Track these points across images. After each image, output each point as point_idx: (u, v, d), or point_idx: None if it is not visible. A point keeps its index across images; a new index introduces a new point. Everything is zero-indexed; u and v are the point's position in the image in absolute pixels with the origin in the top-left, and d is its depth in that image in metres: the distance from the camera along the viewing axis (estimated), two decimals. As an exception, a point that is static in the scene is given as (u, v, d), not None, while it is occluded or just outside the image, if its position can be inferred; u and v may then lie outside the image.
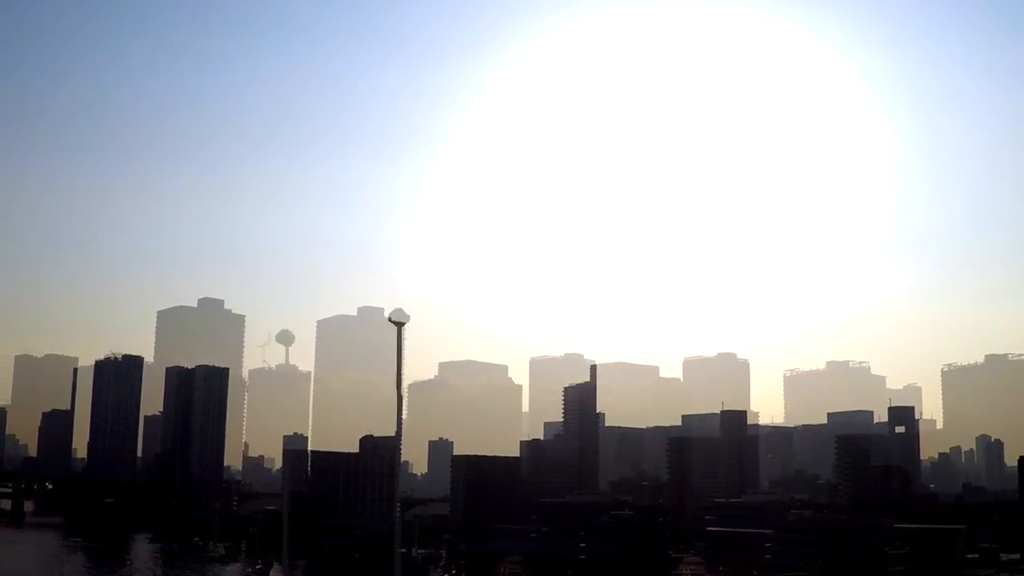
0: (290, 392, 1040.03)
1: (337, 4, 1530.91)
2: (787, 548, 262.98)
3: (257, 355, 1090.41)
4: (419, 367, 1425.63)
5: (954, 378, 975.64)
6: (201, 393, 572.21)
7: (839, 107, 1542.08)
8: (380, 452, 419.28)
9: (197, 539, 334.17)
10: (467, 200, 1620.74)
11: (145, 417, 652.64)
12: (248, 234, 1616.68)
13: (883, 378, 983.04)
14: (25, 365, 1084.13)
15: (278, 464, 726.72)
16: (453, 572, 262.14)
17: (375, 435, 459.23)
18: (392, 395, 61.95)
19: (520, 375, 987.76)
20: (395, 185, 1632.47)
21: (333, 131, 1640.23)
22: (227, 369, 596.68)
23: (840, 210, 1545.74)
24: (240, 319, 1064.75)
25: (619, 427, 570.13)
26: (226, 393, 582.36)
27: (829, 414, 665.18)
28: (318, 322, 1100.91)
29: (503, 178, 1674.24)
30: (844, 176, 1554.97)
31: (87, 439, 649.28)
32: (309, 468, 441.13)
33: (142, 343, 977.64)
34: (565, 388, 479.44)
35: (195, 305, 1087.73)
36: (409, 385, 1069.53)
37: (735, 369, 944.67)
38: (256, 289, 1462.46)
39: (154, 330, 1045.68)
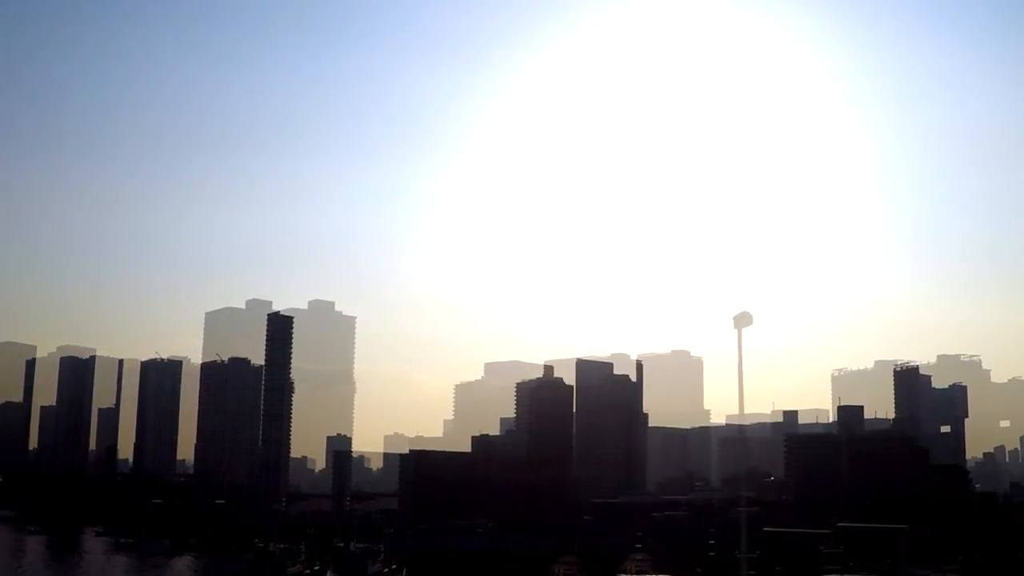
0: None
1: (354, 4, 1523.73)
2: (728, 545, 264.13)
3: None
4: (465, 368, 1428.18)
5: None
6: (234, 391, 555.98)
7: (837, 106, 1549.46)
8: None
9: (257, 540, 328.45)
10: (462, 202, 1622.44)
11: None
12: (286, 233, 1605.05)
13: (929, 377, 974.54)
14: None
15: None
16: (393, 567, 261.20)
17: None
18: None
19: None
20: (409, 185, 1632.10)
21: (361, 132, 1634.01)
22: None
23: (832, 209, 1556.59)
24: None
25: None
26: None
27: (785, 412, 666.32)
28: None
29: (499, 179, 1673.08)
30: (830, 176, 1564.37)
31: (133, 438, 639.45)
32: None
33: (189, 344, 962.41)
34: (517, 384, 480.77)
35: (243, 307, 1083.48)
36: (456, 386, 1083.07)
37: (689, 367, 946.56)
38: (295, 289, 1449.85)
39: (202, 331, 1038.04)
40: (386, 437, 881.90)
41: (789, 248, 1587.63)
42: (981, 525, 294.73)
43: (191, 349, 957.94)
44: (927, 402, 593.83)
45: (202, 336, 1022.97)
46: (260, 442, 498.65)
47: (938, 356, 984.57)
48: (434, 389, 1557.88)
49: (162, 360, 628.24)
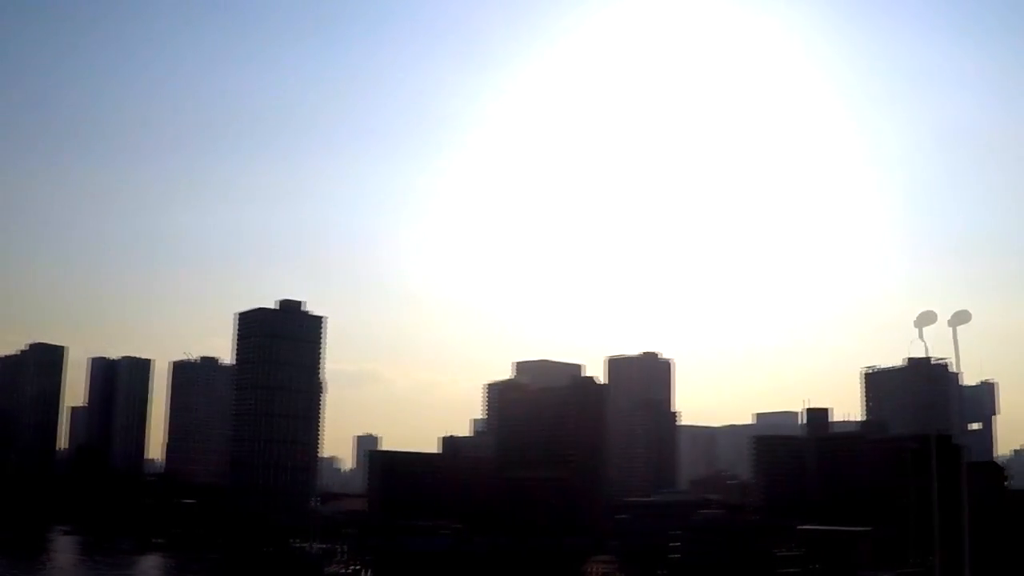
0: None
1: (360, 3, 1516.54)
2: (693, 547, 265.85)
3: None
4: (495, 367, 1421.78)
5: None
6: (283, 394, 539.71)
7: (839, 106, 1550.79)
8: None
9: (295, 540, 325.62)
10: (471, 201, 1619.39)
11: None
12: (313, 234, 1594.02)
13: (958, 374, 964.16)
14: None
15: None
16: (356, 568, 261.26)
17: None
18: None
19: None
20: (412, 186, 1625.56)
21: (370, 131, 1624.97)
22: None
23: (832, 209, 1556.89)
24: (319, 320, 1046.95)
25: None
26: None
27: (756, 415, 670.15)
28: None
29: (508, 177, 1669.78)
30: (829, 176, 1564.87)
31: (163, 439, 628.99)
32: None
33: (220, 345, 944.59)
34: (487, 385, 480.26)
35: (275, 307, 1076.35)
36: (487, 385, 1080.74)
37: (658, 369, 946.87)
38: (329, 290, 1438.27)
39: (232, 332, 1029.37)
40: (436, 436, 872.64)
41: (791, 247, 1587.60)
42: (1017, 522, 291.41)
43: (221, 349, 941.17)
44: (955, 400, 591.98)
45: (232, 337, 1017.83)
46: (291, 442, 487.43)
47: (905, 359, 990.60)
48: (461, 391, 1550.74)
49: (194, 360, 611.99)
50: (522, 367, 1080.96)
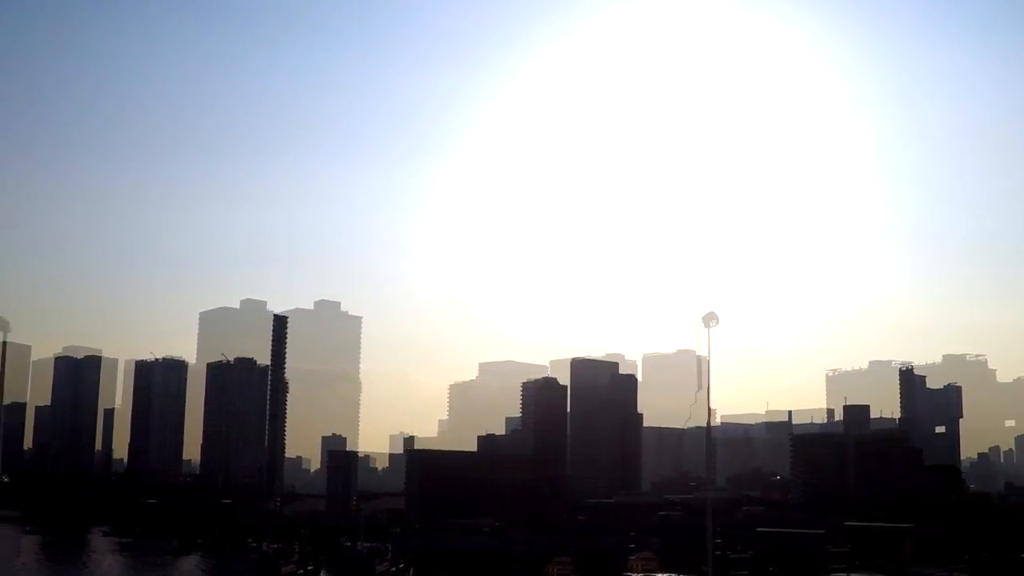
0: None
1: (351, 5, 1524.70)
2: (734, 544, 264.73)
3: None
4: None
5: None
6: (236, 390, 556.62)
7: (833, 105, 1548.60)
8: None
9: (250, 540, 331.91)
10: (459, 202, 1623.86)
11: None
12: (273, 234, 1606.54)
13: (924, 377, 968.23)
14: None
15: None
16: (401, 566, 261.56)
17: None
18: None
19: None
20: (408, 186, 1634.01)
21: (353, 133, 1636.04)
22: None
23: (834, 209, 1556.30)
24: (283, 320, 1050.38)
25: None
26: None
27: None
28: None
29: (497, 179, 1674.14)
30: (832, 176, 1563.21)
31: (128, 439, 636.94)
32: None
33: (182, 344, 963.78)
34: (524, 384, 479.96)
35: (238, 306, 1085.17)
36: (451, 385, 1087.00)
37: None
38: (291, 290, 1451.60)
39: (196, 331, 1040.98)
40: (391, 437, 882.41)
41: (790, 247, 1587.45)
42: (975, 525, 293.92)
43: (185, 350, 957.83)
44: (924, 402, 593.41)
45: (196, 336, 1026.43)
46: (267, 442, 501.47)
47: (943, 356, 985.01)
48: (431, 388, 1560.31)
49: (158, 360, 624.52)
50: (486, 368, 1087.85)
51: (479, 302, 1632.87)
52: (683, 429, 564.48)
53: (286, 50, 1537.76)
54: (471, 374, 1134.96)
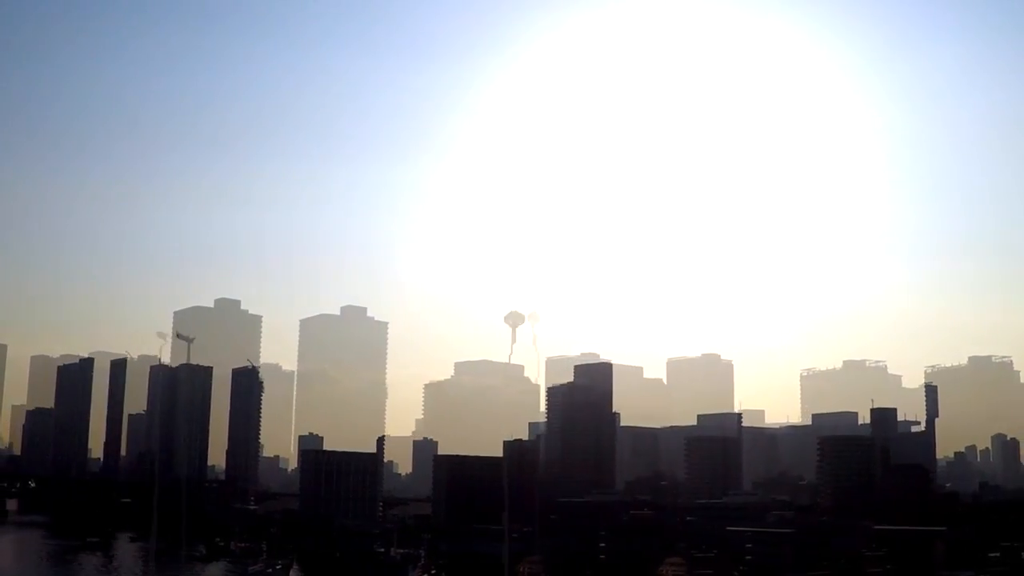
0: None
1: (341, 3, 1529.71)
2: (767, 549, 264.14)
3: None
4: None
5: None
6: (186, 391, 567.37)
7: (834, 105, 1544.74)
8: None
9: (218, 539, 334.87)
10: (458, 201, 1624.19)
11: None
12: (257, 234, 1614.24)
13: (899, 377, 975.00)
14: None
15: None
16: (433, 572, 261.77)
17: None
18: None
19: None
20: (399, 185, 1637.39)
21: (339, 132, 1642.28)
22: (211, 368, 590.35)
23: (834, 209, 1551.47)
24: (257, 319, 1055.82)
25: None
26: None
27: (813, 415, 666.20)
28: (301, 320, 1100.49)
29: (495, 180, 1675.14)
30: (835, 176, 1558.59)
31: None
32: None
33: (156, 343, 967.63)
34: (549, 389, 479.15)
35: (212, 305, 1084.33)
36: (425, 385, 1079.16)
37: (719, 370, 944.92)
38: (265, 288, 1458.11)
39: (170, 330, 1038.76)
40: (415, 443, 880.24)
41: (790, 247, 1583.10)
42: (942, 523, 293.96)
43: (158, 347, 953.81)
44: (899, 403, 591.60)
45: (170, 335, 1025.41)
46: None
47: (969, 358, 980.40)
48: (406, 389, 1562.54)
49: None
50: (461, 367, 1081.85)
51: (461, 301, 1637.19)
52: (658, 428, 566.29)
53: (280, 49, 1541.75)
54: (446, 373, 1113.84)
